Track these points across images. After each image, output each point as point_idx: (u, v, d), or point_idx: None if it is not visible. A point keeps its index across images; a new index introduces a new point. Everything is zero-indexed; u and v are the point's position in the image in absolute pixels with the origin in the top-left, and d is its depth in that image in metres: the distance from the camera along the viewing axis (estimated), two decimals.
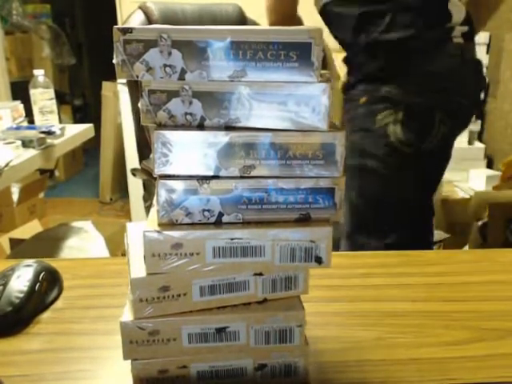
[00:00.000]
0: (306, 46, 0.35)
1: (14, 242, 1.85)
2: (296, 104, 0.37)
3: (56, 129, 1.49)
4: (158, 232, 0.37)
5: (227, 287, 0.40)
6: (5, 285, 0.51)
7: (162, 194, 0.37)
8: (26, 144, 1.36)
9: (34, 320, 0.52)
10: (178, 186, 0.37)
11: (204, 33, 0.35)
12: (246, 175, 0.38)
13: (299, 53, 0.36)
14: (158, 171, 0.38)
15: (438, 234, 2.11)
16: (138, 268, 0.39)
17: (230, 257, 0.39)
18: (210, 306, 0.40)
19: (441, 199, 2.15)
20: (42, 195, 2.66)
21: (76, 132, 1.63)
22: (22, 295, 0.51)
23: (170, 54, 0.36)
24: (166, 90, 0.37)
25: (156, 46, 0.35)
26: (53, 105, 1.65)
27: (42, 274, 0.53)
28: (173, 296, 0.39)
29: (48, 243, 1.57)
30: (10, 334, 0.49)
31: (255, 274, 0.40)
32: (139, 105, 0.38)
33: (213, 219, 0.39)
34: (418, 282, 0.61)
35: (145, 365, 0.40)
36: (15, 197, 2.36)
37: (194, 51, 0.36)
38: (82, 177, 3.72)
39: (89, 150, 3.75)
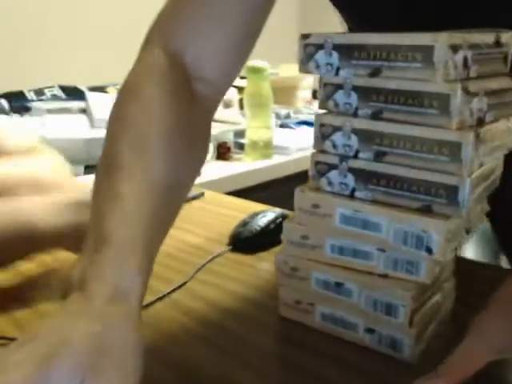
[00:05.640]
0: (429, 49, 0.38)
1: None
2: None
3: None
4: (304, 192, 0.48)
5: (353, 252, 0.47)
6: (253, 219, 0.71)
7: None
8: None
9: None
10: (325, 159, 0.47)
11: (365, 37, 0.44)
12: (379, 160, 0.44)
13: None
14: (315, 147, 0.48)
15: None
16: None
17: (353, 226, 0.46)
18: (337, 263, 0.48)
19: None
20: None
21: None
22: (259, 228, 0.70)
23: (330, 54, 0.45)
24: (333, 84, 0.47)
25: (322, 49, 0.46)
26: None
27: (279, 220, 0.71)
28: (310, 245, 0.49)
29: None
30: (249, 252, 0.68)
31: (378, 249, 0.46)
32: (317, 95, 0.49)
33: (347, 192, 0.47)
34: None
35: (287, 292, 0.52)
36: None
37: (347, 52, 0.44)
38: None
39: None
